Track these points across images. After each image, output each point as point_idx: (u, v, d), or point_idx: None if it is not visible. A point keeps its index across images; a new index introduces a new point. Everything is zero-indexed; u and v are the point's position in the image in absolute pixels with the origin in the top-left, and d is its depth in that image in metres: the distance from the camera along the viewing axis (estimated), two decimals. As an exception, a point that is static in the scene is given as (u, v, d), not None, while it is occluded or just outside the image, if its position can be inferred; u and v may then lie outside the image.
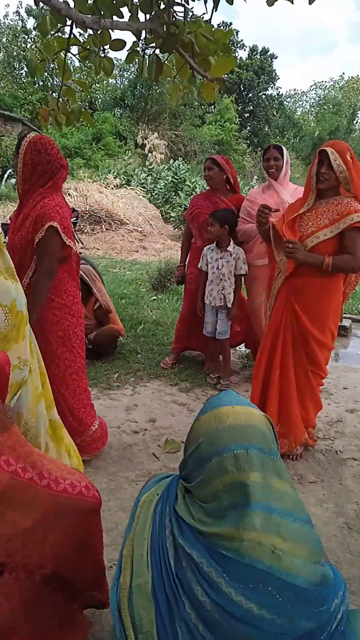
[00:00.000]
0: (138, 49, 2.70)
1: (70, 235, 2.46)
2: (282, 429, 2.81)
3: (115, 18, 2.52)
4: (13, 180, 15.02)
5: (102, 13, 2.52)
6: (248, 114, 37.65)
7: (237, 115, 32.27)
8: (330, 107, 41.44)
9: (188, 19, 2.56)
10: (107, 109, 27.19)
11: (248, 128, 37.10)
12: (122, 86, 29.34)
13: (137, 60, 2.79)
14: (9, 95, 25.15)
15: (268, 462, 1.06)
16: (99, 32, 2.43)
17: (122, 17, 2.60)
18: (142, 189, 15.46)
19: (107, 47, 2.74)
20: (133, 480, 2.64)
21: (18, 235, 2.42)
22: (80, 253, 6.61)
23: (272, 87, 39.79)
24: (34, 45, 24.87)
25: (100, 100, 28.00)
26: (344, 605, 1.11)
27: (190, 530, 1.07)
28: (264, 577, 0.99)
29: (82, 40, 2.76)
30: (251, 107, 37.97)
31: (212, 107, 30.88)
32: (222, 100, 29.22)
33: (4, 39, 28.00)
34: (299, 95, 53.52)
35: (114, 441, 3.05)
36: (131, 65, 26.21)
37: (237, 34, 38.58)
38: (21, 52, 27.85)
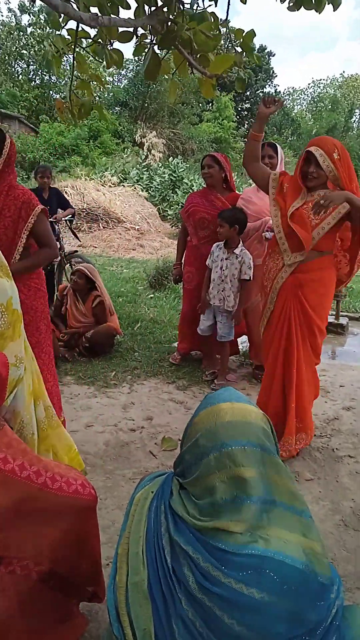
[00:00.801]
0: (146, 40, 2.69)
1: None
2: (299, 423, 2.85)
3: (114, 15, 2.52)
4: None
5: (110, 4, 2.51)
6: (246, 112, 37.67)
7: (235, 113, 32.27)
8: (328, 104, 41.45)
9: (194, 11, 2.55)
10: (105, 107, 27.13)
11: (246, 126, 37.06)
12: (120, 85, 29.32)
13: (143, 55, 2.78)
14: (6, 92, 25.07)
15: (266, 458, 1.07)
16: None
17: (129, 8, 2.59)
18: (139, 186, 15.45)
19: (114, 40, 2.74)
20: (130, 478, 2.64)
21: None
22: (76, 252, 6.64)
23: (269, 85, 39.80)
24: (44, 39, 24.70)
25: (98, 99, 27.93)
26: (339, 600, 1.11)
27: (186, 526, 1.07)
28: (261, 560, 1.00)
29: (92, 35, 2.75)
30: (249, 105, 37.96)
31: (210, 105, 30.85)
32: (221, 98, 29.20)
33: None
34: (297, 93, 53.54)
35: (110, 439, 3.05)
36: (130, 64, 26.25)
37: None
38: (17, 49, 27.75)
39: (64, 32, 2.83)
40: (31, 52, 27.75)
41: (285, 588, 0.99)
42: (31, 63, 28.94)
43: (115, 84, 30.85)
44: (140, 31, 2.68)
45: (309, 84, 56.10)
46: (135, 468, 2.75)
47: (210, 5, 2.58)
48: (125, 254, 11.11)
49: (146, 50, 2.68)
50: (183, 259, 4.29)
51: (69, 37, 2.81)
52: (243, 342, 4.47)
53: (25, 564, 1.37)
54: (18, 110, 24.54)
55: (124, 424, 3.26)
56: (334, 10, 2.60)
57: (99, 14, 2.19)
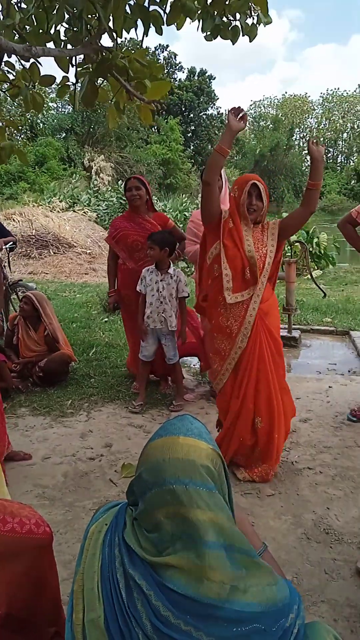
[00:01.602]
0: (69, 83, 2.71)
1: None
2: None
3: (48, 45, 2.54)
4: None
5: (40, 33, 2.53)
6: (190, 134, 38.52)
7: (181, 135, 32.96)
8: (269, 124, 42.94)
9: (123, 43, 2.61)
10: (50, 133, 27.12)
11: (192, 147, 37.87)
12: (65, 111, 29.41)
13: (69, 94, 2.80)
14: None
15: (207, 497, 1.05)
16: (28, 61, 2.42)
17: (59, 37, 2.61)
18: (89, 210, 15.44)
19: (36, 82, 2.75)
20: (90, 509, 2.57)
21: None
22: (20, 280, 6.52)
23: (212, 107, 40.90)
24: None
25: (42, 125, 27.89)
26: (300, 619, 1.10)
27: (140, 559, 1.05)
28: (212, 609, 0.98)
29: (10, 78, 2.76)
30: (193, 127, 38.89)
31: (155, 129, 31.40)
32: (168, 122, 29.83)
33: None
34: (239, 115, 54.92)
35: (69, 470, 2.98)
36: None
37: (175, 57, 39.56)
38: None
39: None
40: None
41: (235, 631, 0.98)
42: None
43: (60, 110, 30.94)
44: (63, 74, 2.69)
45: (250, 105, 57.98)
46: (96, 498, 2.69)
47: (140, 41, 2.64)
48: (78, 279, 11.03)
49: (71, 90, 2.71)
50: (117, 285, 4.21)
51: None
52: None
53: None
54: None
55: (82, 453, 3.19)
56: (250, 41, 2.73)
57: (32, 46, 2.19)
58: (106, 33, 2.51)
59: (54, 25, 2.59)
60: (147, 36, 2.56)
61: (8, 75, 2.76)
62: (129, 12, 2.57)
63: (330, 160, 57.85)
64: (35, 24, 2.66)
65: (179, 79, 38.92)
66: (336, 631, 1.21)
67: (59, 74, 2.63)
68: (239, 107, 2.64)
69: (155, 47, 38.54)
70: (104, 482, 2.85)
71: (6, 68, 2.61)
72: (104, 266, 12.10)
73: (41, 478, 2.88)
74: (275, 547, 2.24)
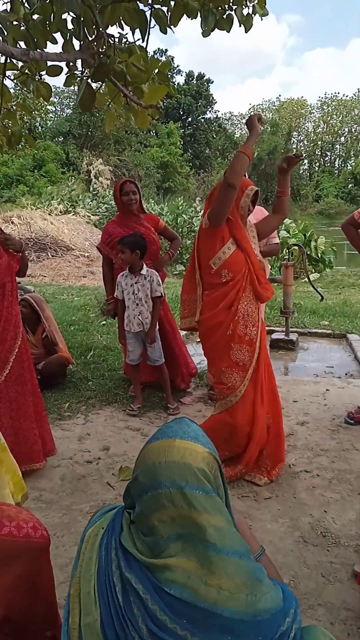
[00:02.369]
0: (76, 72, 2.71)
1: None
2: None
3: (47, 48, 2.54)
4: None
5: (35, 40, 2.53)
6: (189, 138, 38.58)
7: (180, 139, 33.08)
8: (267, 127, 43.07)
9: (123, 45, 2.60)
10: (49, 137, 27.16)
11: (190, 151, 37.93)
12: (64, 114, 29.44)
13: (76, 86, 2.80)
14: None
15: (204, 499, 1.06)
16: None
17: (56, 42, 2.61)
18: (87, 214, 15.45)
19: (43, 73, 2.75)
20: (87, 513, 2.57)
21: None
22: (19, 283, 6.52)
23: (210, 111, 41.04)
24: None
25: (40, 128, 27.94)
26: (297, 623, 1.11)
27: (137, 562, 1.05)
28: (208, 615, 0.98)
29: (19, 65, 2.76)
30: (191, 131, 38.95)
31: (154, 133, 31.50)
32: (167, 126, 29.92)
33: None
34: (238, 118, 55.38)
35: (66, 473, 2.97)
36: (73, 94, 26.37)
37: (173, 60, 39.69)
38: None
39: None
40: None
41: (230, 638, 0.98)
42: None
43: (58, 114, 30.99)
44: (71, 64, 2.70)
45: (248, 109, 58.10)
46: (93, 501, 2.69)
47: (138, 40, 2.64)
48: (76, 282, 11.03)
49: (78, 79, 2.71)
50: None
51: None
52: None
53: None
54: None
55: (79, 456, 3.19)
56: (245, 32, 2.74)
57: (30, 49, 2.19)
58: (104, 38, 2.51)
59: (57, 29, 2.58)
60: (143, 41, 2.54)
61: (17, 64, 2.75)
62: (127, 18, 2.57)
63: (328, 164, 58.04)
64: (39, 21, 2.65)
65: (178, 83, 39.04)
66: (333, 634, 1.22)
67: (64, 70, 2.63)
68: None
69: (153, 51, 38.69)
70: (102, 485, 2.85)
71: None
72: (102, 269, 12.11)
73: (38, 481, 2.88)
74: (272, 550, 2.24)
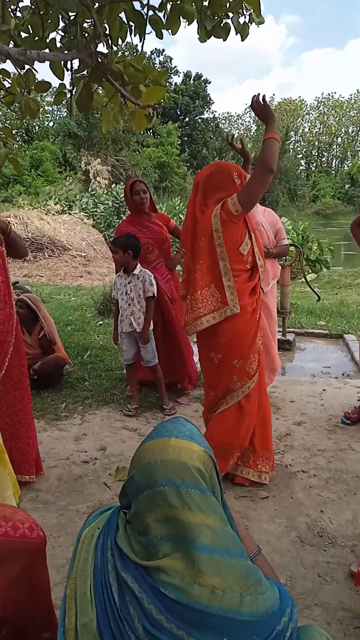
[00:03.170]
0: (65, 90, 2.71)
1: None
2: None
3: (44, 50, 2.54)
4: None
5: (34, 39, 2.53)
6: (186, 138, 38.62)
7: (178, 139, 33.11)
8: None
9: (119, 47, 2.61)
10: (46, 137, 27.12)
11: (187, 151, 37.95)
12: (61, 114, 29.43)
13: (65, 101, 2.80)
14: None
15: (199, 498, 1.06)
16: (24, 68, 2.42)
17: (55, 45, 2.61)
18: (84, 214, 15.44)
19: (32, 89, 2.74)
20: (84, 513, 2.57)
21: None
22: (17, 282, 6.50)
23: (207, 111, 41.07)
24: None
25: (37, 129, 27.90)
26: (293, 622, 1.11)
27: (132, 563, 1.05)
28: (203, 615, 0.98)
29: (6, 85, 2.76)
30: (189, 131, 38.98)
31: (151, 133, 31.51)
32: (166, 126, 29.92)
33: None
34: (235, 118, 55.47)
35: (63, 473, 2.97)
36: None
37: (170, 61, 39.73)
38: None
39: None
40: None
41: (226, 638, 0.98)
42: None
43: (56, 113, 30.95)
44: (59, 81, 2.69)
45: (245, 110, 58.16)
46: (90, 502, 2.68)
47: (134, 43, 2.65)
48: (73, 282, 11.01)
49: (73, 94, 2.71)
50: None
51: None
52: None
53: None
54: None
55: (76, 456, 3.19)
56: (242, 40, 2.74)
57: (26, 49, 2.19)
58: (101, 38, 2.51)
59: (49, 33, 2.59)
60: (141, 42, 2.55)
61: (4, 82, 2.76)
62: (125, 18, 2.57)
63: (325, 164, 58.16)
64: (30, 31, 2.66)
65: (175, 83, 39.08)
66: (330, 634, 1.22)
67: (54, 81, 2.64)
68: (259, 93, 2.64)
69: (151, 52, 38.75)
70: (98, 485, 2.85)
71: (1, 76, 2.61)
72: (99, 269, 12.10)
73: (35, 481, 2.87)
74: (269, 550, 2.25)
